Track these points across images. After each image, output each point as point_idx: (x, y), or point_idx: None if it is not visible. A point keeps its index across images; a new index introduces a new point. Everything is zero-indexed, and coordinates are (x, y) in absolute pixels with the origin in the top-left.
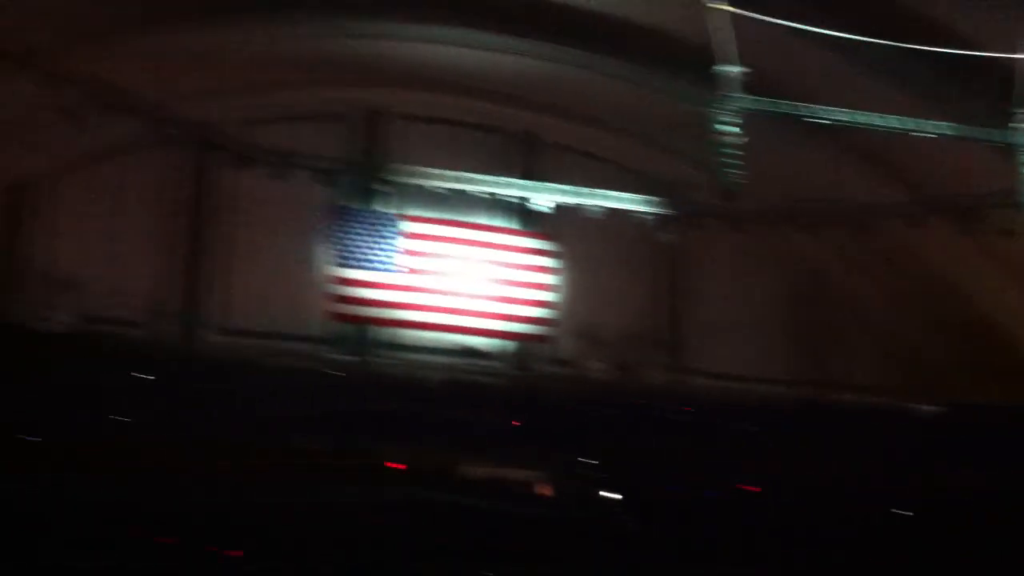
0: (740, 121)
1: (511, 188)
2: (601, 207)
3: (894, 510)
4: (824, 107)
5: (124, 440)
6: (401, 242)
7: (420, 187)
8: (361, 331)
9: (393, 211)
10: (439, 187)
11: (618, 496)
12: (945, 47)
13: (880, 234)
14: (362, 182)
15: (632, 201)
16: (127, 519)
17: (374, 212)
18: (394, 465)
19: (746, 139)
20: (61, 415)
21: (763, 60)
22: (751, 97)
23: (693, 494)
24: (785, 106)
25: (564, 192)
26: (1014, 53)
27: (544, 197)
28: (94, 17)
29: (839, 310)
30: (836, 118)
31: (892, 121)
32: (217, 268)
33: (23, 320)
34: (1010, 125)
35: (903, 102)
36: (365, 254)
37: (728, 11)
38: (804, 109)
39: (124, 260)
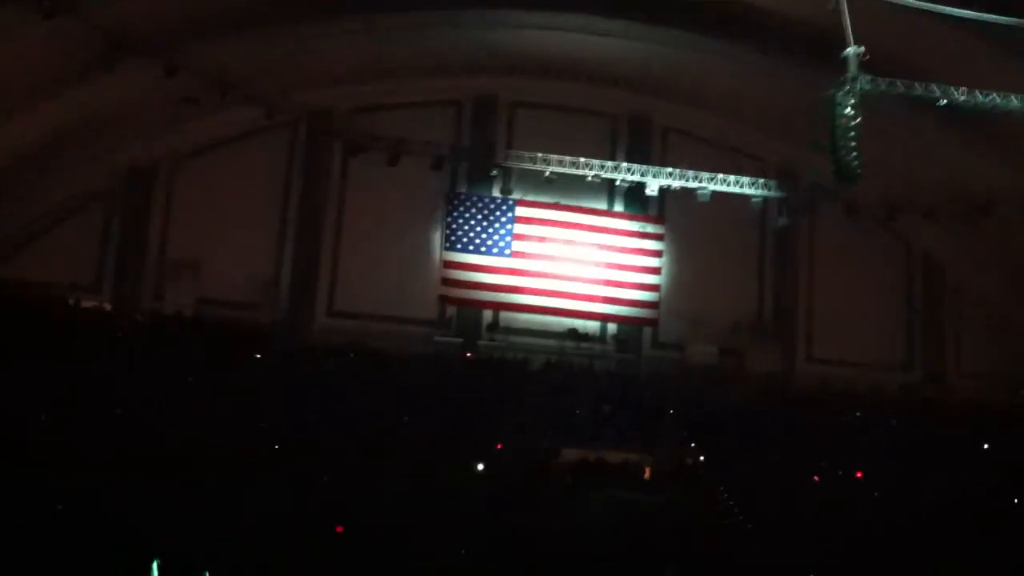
0: (861, 104)
1: (622, 172)
2: (712, 191)
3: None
4: (950, 86)
5: None
6: (512, 226)
7: (531, 172)
8: (471, 314)
9: (504, 196)
10: (550, 171)
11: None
12: None
13: (1003, 221)
14: (474, 167)
15: (744, 185)
16: None
17: (486, 197)
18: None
19: (867, 123)
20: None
21: (890, 42)
22: (877, 79)
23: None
24: (914, 86)
25: (675, 176)
26: None
27: (655, 181)
28: (214, 9)
29: (957, 299)
30: (962, 99)
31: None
32: (330, 252)
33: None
34: None
35: None
36: (476, 238)
37: None
38: (935, 89)
39: (239, 244)
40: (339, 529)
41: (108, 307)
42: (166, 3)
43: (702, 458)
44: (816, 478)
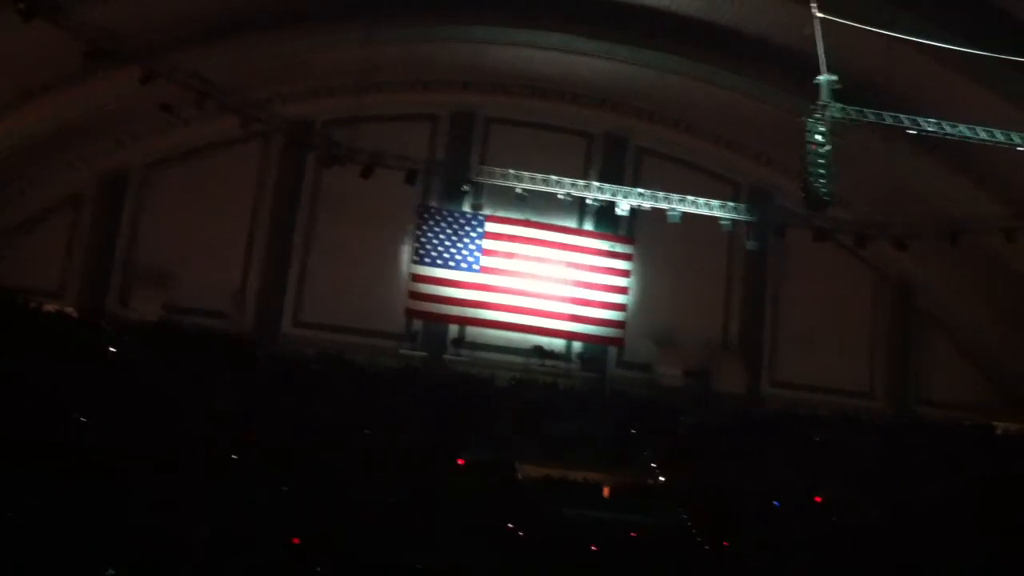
0: (835, 131)
1: (593, 191)
2: (682, 212)
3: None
4: (924, 118)
5: None
6: (481, 241)
7: (503, 188)
8: (437, 328)
9: (476, 211)
10: (521, 188)
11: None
12: None
13: (976, 248)
14: (447, 182)
15: (715, 208)
16: None
17: (456, 211)
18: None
19: (840, 148)
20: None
21: (867, 70)
22: (848, 108)
23: (765, 504)
24: (883, 116)
25: (646, 196)
26: None
27: (626, 200)
28: (196, 19)
29: (927, 326)
30: (936, 129)
31: (994, 134)
32: (299, 262)
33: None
34: None
35: (1008, 115)
36: (445, 252)
37: (834, 21)
38: (903, 119)
39: (208, 252)
40: (295, 541)
41: (72, 312)
42: (146, 10)
43: (662, 479)
44: (776, 503)
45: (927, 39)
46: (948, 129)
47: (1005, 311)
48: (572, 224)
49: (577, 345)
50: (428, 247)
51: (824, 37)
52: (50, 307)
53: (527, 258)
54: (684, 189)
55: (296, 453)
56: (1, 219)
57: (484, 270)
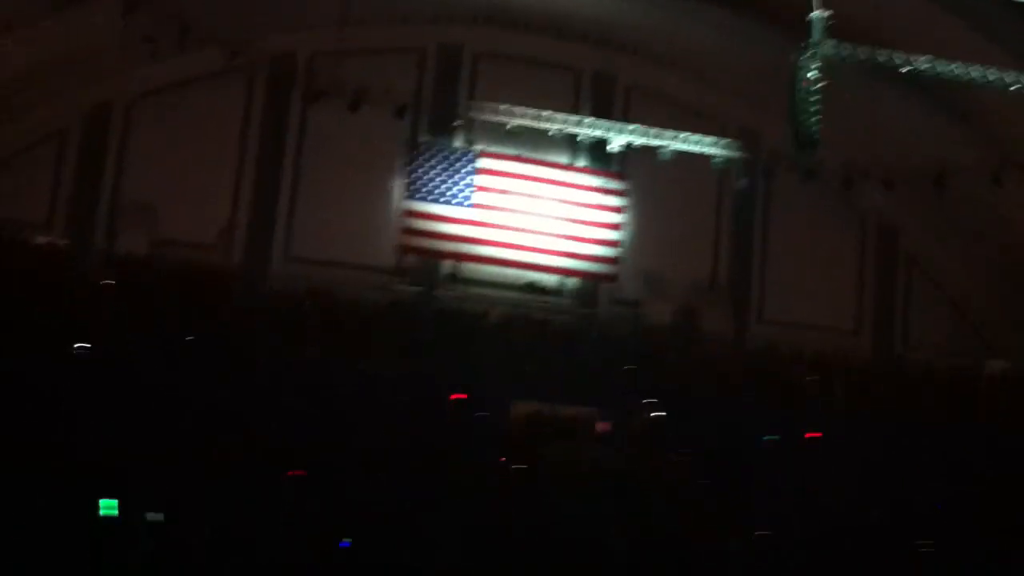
0: (824, 68)
1: (585, 127)
2: (674, 149)
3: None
4: (911, 55)
5: None
6: (473, 177)
7: (494, 124)
8: (430, 264)
9: (466, 147)
10: (513, 124)
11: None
12: None
13: (961, 192)
14: (436, 118)
15: (706, 144)
16: None
17: (447, 147)
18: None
19: (828, 90)
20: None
21: (857, 8)
22: (841, 43)
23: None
24: (876, 54)
25: (638, 133)
26: None
27: (618, 137)
28: None
29: (911, 268)
30: (929, 67)
31: (987, 74)
32: (288, 197)
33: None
34: None
35: (997, 58)
36: (437, 188)
37: None
38: (896, 58)
39: (196, 186)
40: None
41: (62, 243)
42: None
43: (653, 415)
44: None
45: None
46: (941, 68)
47: (989, 256)
48: (564, 160)
49: (570, 281)
50: (419, 183)
51: None
52: (41, 239)
53: (520, 194)
54: (674, 127)
55: (286, 395)
56: None
57: (476, 206)
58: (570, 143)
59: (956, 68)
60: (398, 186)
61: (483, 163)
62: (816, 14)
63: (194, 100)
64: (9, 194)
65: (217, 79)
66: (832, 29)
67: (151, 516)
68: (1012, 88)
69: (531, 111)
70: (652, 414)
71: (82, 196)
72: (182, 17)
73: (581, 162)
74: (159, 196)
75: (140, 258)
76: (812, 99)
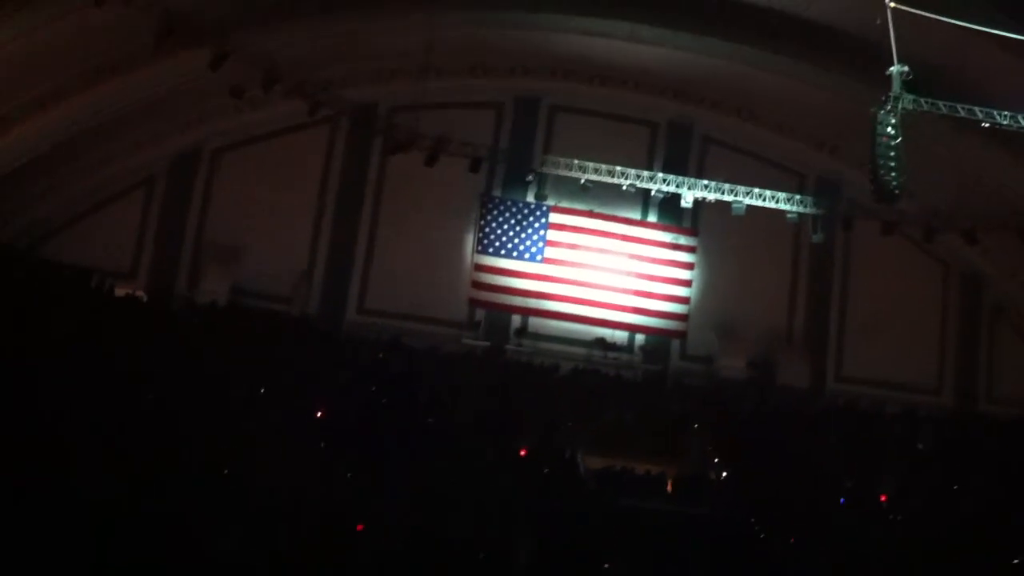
0: (904, 122)
1: (657, 183)
2: (747, 204)
3: None
4: (995, 110)
5: None
6: (545, 232)
7: (567, 177)
8: (501, 318)
9: (540, 201)
10: (586, 179)
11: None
12: None
13: None
14: (510, 171)
15: (780, 200)
16: None
17: (520, 201)
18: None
19: (910, 139)
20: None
21: (940, 61)
22: (920, 99)
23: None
24: (957, 108)
25: (711, 189)
26: None
27: (690, 192)
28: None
29: (996, 321)
30: (1011, 123)
31: None
32: (364, 249)
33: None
34: None
35: None
36: (509, 242)
37: (908, 11)
38: (977, 112)
39: (275, 237)
40: (359, 528)
41: (142, 295)
42: None
43: (725, 473)
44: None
45: (1000, 29)
46: (1023, 122)
47: None
48: (636, 215)
49: (640, 337)
50: (492, 236)
51: (896, 26)
52: (121, 290)
53: (590, 249)
54: (749, 179)
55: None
56: (73, 197)
57: (547, 261)
58: (643, 197)
59: None
60: (471, 239)
61: (555, 218)
62: (895, 68)
63: (276, 150)
64: (95, 241)
65: (300, 130)
66: (911, 79)
67: None
68: None
69: (604, 166)
70: (724, 472)
71: (166, 244)
72: (270, 69)
73: (653, 217)
74: (241, 245)
75: (220, 308)
76: (892, 153)
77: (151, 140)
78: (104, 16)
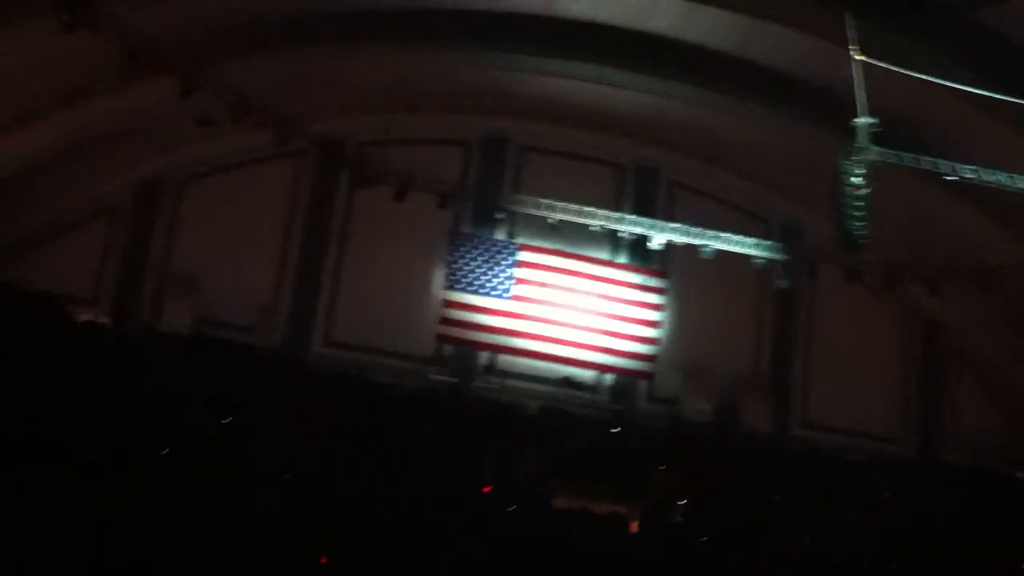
0: (870, 172)
1: (626, 224)
2: (715, 248)
3: None
4: (958, 163)
5: None
6: (514, 270)
7: (536, 216)
8: (467, 355)
9: (509, 239)
10: (555, 218)
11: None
12: None
13: (1006, 290)
14: (479, 208)
15: (748, 245)
16: None
17: (488, 239)
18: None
19: (875, 187)
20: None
21: (904, 112)
22: (885, 151)
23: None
24: (920, 160)
25: (680, 232)
26: None
27: (659, 235)
28: (234, 31)
29: (957, 368)
30: (974, 176)
31: None
32: (331, 282)
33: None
34: None
35: None
36: (477, 279)
37: (873, 64)
38: (941, 165)
39: (241, 267)
40: (323, 560)
41: (105, 322)
42: (184, 20)
43: (688, 514)
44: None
45: (965, 84)
46: (986, 176)
47: None
48: (605, 255)
49: (607, 377)
50: (460, 273)
51: (865, 81)
52: (84, 316)
53: (559, 288)
54: (715, 224)
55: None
56: (37, 223)
57: (516, 298)
58: (611, 238)
59: (1001, 177)
60: (439, 275)
61: (524, 256)
62: (861, 120)
63: (243, 179)
64: (57, 267)
65: (267, 162)
66: (882, 127)
67: None
68: None
69: (573, 206)
70: (686, 513)
71: (129, 272)
72: (237, 99)
73: (621, 258)
74: (205, 275)
75: (183, 338)
76: (857, 203)
77: (116, 168)
78: (71, 43)
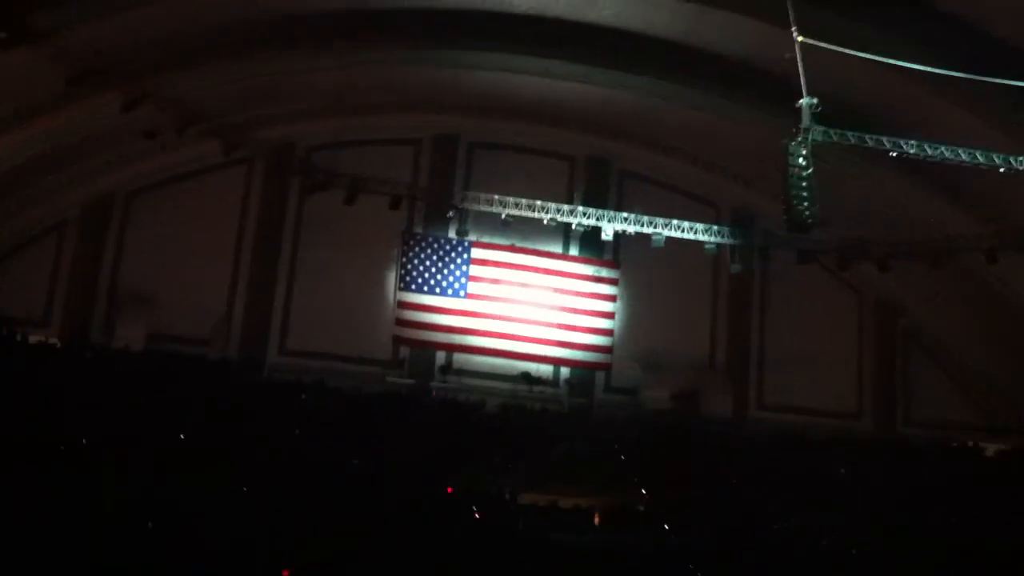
0: (818, 154)
1: (578, 216)
2: (667, 236)
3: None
4: (906, 140)
5: None
6: (468, 267)
7: (488, 213)
8: (425, 355)
9: (461, 237)
10: (506, 214)
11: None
12: None
13: (958, 268)
14: (431, 207)
15: (699, 232)
16: None
17: (441, 237)
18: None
19: (824, 170)
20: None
21: (849, 93)
22: (830, 130)
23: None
24: (865, 138)
25: (630, 221)
26: None
27: (610, 226)
28: (176, 43)
29: (912, 345)
30: (918, 151)
31: (975, 155)
32: (284, 289)
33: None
34: None
35: (990, 135)
36: (431, 279)
37: (818, 45)
38: (885, 142)
39: (193, 279)
40: (285, 573)
41: (56, 342)
42: (127, 34)
43: (652, 504)
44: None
45: (909, 62)
46: (929, 151)
47: (987, 331)
48: (557, 249)
49: (565, 370)
50: (414, 273)
51: (805, 60)
52: (35, 337)
53: (513, 283)
54: (667, 212)
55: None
56: None
57: (470, 296)
58: (564, 231)
59: (945, 151)
60: (393, 277)
61: (477, 253)
62: (805, 100)
63: (192, 191)
64: (7, 290)
65: (216, 171)
66: (823, 112)
67: None
68: (1001, 170)
69: (524, 201)
70: (651, 503)
71: (79, 290)
72: (184, 111)
73: (574, 250)
74: (157, 289)
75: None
76: (803, 184)
77: (64, 185)
78: (14, 60)
